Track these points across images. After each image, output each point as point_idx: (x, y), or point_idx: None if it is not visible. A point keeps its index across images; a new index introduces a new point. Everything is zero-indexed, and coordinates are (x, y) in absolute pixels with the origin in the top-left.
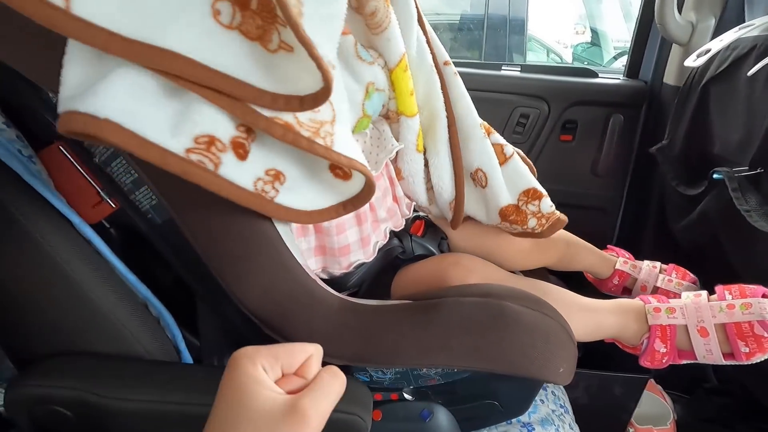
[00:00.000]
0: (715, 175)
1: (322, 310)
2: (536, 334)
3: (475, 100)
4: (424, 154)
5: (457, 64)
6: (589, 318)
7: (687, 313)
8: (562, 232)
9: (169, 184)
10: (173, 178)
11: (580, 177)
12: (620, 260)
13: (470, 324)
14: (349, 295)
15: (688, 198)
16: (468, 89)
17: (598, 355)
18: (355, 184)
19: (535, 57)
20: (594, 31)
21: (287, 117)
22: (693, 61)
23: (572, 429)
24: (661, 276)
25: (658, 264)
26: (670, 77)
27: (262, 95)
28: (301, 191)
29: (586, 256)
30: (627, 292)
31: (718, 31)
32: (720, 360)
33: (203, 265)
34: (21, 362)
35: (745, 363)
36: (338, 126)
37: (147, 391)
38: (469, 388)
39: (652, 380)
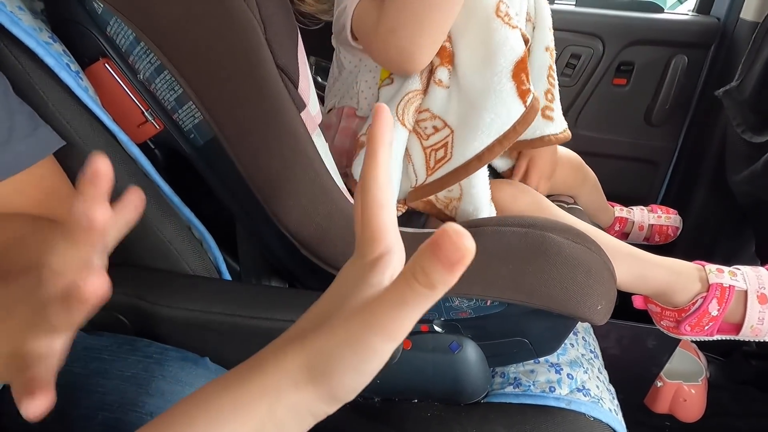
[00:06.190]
0: None
1: None
2: (577, 267)
3: None
4: None
5: None
6: (635, 265)
7: (748, 279)
8: (586, 168)
9: (213, 99)
10: (217, 92)
11: (630, 125)
12: (617, 208)
13: (508, 254)
14: None
15: (754, 146)
16: None
17: (633, 307)
18: None
19: None
20: None
21: None
22: None
23: (601, 373)
24: (651, 215)
25: (643, 207)
26: (748, 12)
27: None
28: None
29: (594, 198)
30: (625, 237)
31: None
32: (766, 333)
33: (244, 188)
34: None
35: None
36: None
37: (192, 301)
38: (500, 324)
39: None
